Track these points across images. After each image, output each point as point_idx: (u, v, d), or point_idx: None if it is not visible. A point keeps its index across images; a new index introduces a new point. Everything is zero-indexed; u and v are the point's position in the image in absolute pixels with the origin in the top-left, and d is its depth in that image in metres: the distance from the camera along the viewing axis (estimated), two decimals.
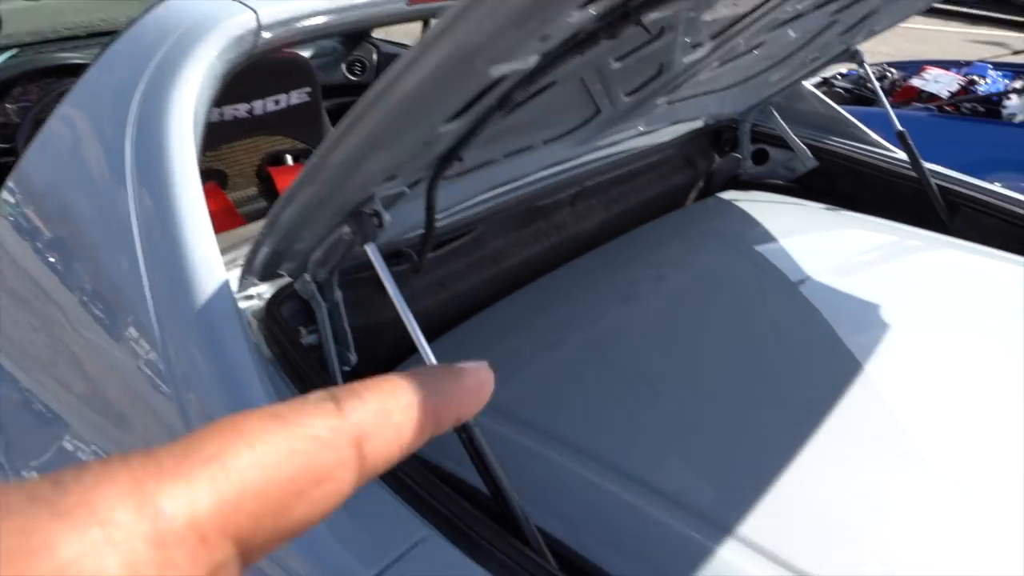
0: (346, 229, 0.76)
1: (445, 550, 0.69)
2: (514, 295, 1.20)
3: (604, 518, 0.81)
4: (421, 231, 0.95)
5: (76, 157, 0.99)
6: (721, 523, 0.75)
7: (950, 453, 0.89)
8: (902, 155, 1.69)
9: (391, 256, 1.09)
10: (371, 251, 0.74)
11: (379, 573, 0.66)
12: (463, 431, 0.74)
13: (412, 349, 0.76)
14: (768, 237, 1.47)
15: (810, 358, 1.09)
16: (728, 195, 1.67)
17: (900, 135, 1.63)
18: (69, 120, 1.02)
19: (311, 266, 0.87)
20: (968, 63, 3.64)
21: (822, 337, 1.14)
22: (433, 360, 0.74)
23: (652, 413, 0.96)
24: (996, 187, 1.66)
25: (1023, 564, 0.71)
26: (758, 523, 0.75)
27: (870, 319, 1.17)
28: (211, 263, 0.82)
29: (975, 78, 3.34)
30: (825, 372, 1.03)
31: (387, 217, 0.75)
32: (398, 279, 1.07)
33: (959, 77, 3.40)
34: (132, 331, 0.86)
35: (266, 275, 0.90)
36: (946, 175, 1.67)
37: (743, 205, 1.61)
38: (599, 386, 1.01)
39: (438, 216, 1.13)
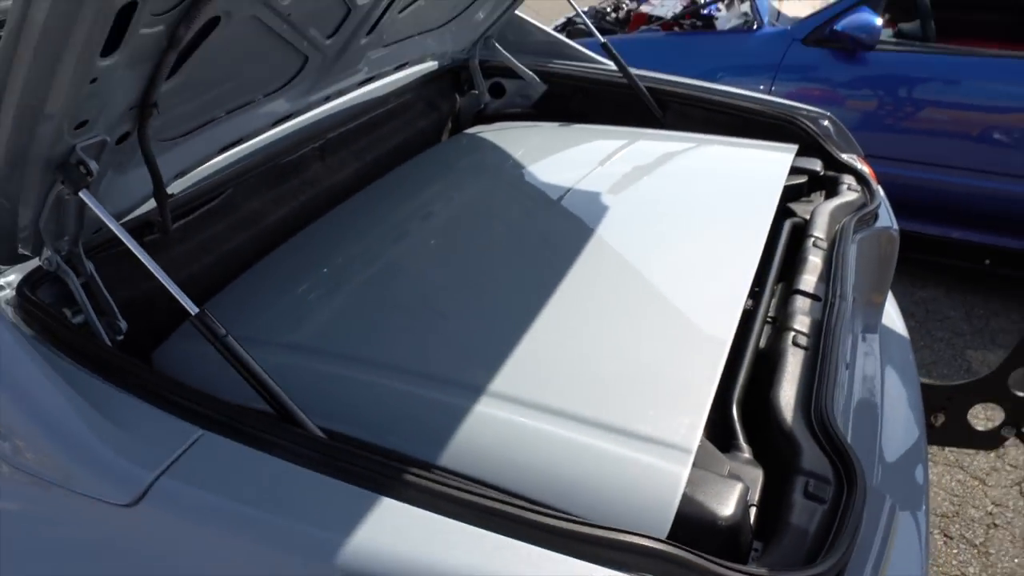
0: (61, 187, 0.82)
1: (223, 444, 0.78)
2: (280, 248, 1.28)
3: (371, 405, 0.93)
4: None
5: None
6: (465, 384, 0.89)
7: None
8: (611, 69, 1.91)
9: (143, 227, 1.14)
10: (87, 199, 0.80)
11: (163, 472, 0.74)
12: (218, 343, 0.82)
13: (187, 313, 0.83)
14: (510, 158, 1.63)
15: (542, 244, 1.26)
16: (474, 130, 1.82)
17: (603, 45, 1.85)
18: None
19: (48, 238, 0.91)
20: None
21: (555, 229, 1.31)
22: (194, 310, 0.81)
23: (420, 322, 1.08)
24: (694, 82, 1.92)
25: None
26: (496, 377, 0.89)
27: (594, 207, 1.36)
28: None
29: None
30: (549, 254, 1.20)
31: (95, 166, 0.81)
32: (157, 248, 1.13)
33: (682, 0, 3.77)
34: None
35: (4, 258, 0.93)
36: (654, 78, 1.91)
37: (488, 136, 1.77)
38: (365, 306, 1.12)
39: (182, 181, 1.19)
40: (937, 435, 1.66)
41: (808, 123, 1.69)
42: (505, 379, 0.90)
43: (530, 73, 1.94)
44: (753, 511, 0.83)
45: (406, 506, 0.71)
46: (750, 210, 1.30)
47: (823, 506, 0.80)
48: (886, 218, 1.54)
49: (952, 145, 2.92)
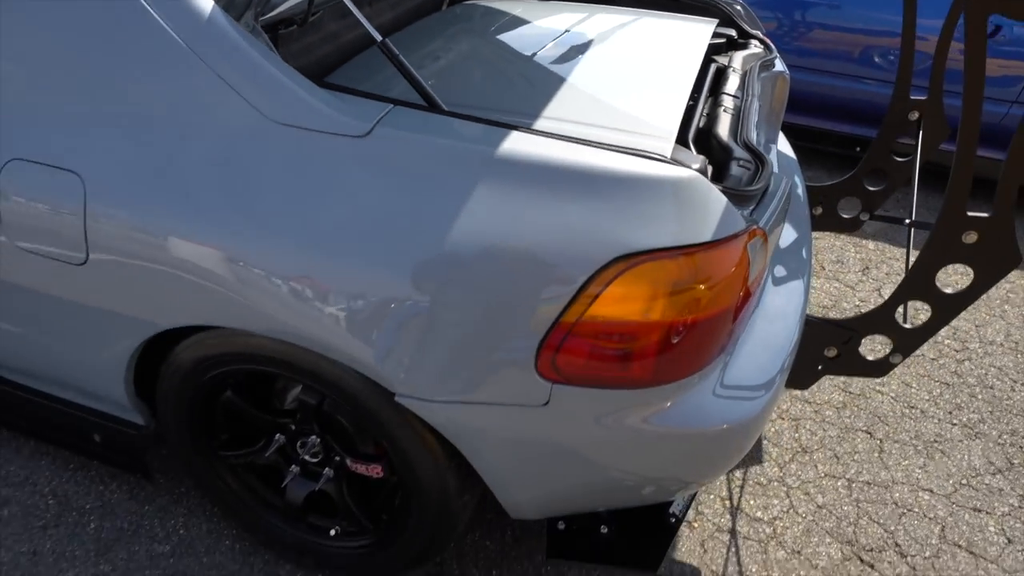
0: None
1: (408, 111, 1.25)
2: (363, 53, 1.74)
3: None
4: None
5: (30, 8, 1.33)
6: None
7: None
8: None
9: (282, 23, 1.57)
10: None
11: (379, 120, 1.21)
12: (395, 61, 1.29)
13: None
14: (500, 20, 2.11)
15: (548, 59, 1.76)
16: (470, 2, 2.29)
17: None
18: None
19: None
20: None
21: (552, 53, 1.81)
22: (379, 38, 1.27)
23: (490, 92, 1.55)
24: None
25: None
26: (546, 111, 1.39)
27: (576, 44, 1.87)
28: None
29: None
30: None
31: None
32: (291, 39, 1.57)
33: None
34: None
35: None
36: None
37: (484, 3, 2.25)
38: (443, 79, 1.59)
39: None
40: (832, 366, 1.80)
41: (725, 5, 2.26)
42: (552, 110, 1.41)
43: None
44: (710, 170, 1.37)
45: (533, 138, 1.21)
46: (691, 49, 1.84)
47: (750, 170, 1.36)
48: (781, 68, 2.13)
49: (833, 56, 3.64)
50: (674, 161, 1.23)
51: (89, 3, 1.29)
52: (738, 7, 2.28)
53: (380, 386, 1.29)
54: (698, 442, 1.32)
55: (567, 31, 1.93)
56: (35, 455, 1.87)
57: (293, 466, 1.54)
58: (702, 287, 1.20)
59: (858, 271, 3.06)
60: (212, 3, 1.27)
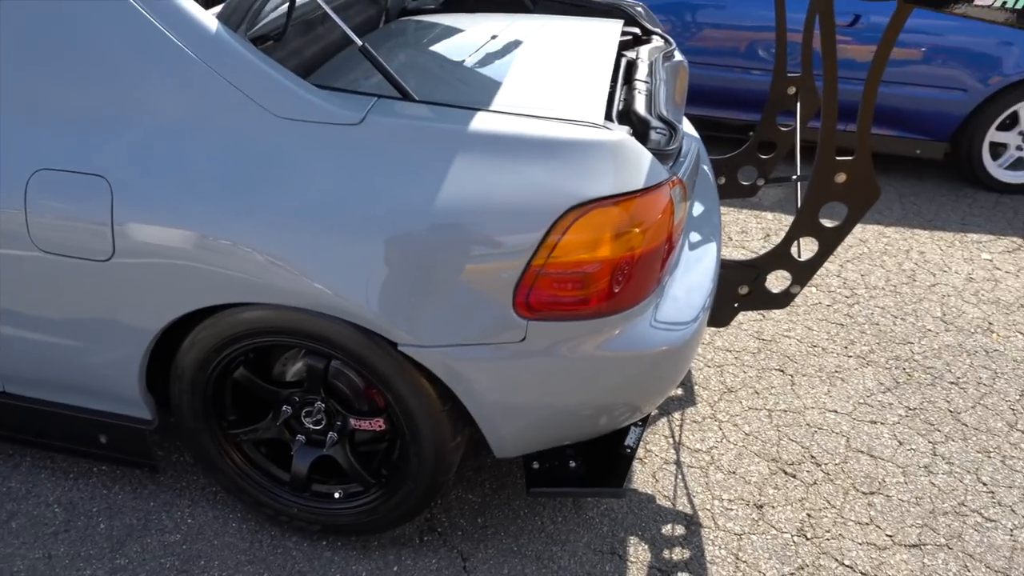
0: None
1: (391, 103, 1.48)
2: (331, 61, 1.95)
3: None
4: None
5: (39, 14, 1.50)
6: None
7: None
8: None
9: (260, 39, 1.77)
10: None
11: (369, 110, 1.44)
12: (377, 65, 1.53)
13: None
14: (434, 31, 2.37)
15: (487, 59, 2.02)
16: (403, 20, 2.54)
17: None
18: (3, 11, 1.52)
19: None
20: None
21: (492, 54, 2.08)
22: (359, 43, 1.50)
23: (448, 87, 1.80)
24: None
25: None
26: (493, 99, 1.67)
27: (507, 47, 2.14)
28: None
29: None
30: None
31: None
32: (269, 52, 1.78)
33: None
34: None
35: None
36: None
37: (415, 19, 2.50)
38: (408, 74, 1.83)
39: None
40: (745, 302, 2.09)
41: (628, 7, 2.59)
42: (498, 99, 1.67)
43: None
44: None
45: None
46: (604, 45, 2.15)
47: (665, 135, 1.66)
48: (680, 58, 2.47)
49: (721, 51, 4.10)
50: (608, 127, 1.51)
51: (111, 25, 1.47)
52: (639, 8, 2.61)
53: (383, 339, 1.50)
54: (642, 364, 1.59)
55: (494, 37, 2.20)
56: (34, 468, 1.96)
57: (299, 436, 1.72)
58: (639, 228, 1.48)
59: (760, 239, 3.46)
60: (217, 22, 1.47)
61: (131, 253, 1.51)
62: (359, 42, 1.51)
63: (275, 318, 1.53)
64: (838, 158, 1.85)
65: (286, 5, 1.86)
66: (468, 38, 2.19)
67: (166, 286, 1.53)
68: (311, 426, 1.71)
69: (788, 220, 3.70)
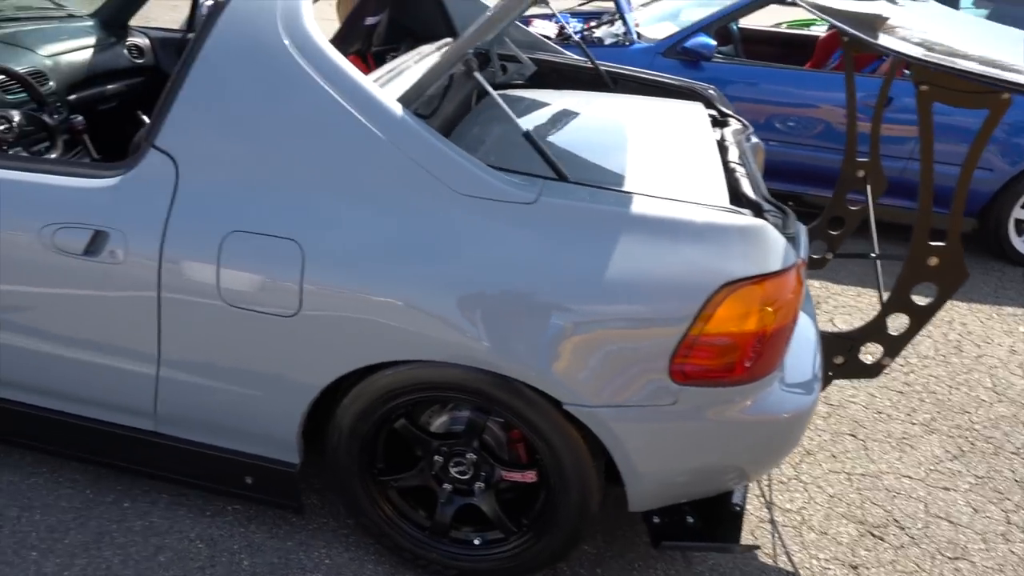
0: None
1: (559, 185, 1.64)
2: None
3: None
4: None
5: (243, 95, 1.67)
6: None
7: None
8: (577, 58, 2.90)
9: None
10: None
11: (540, 192, 1.60)
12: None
13: None
14: (535, 108, 2.55)
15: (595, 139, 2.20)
16: (496, 93, 2.72)
17: (578, 42, 2.84)
18: (210, 77, 1.69)
19: None
20: (552, 14, 5.15)
21: (596, 133, 2.25)
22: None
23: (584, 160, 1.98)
24: (629, 69, 2.96)
25: None
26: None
27: (597, 122, 2.32)
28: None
29: (563, 24, 4.83)
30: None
31: None
32: None
33: (552, 24, 4.87)
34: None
35: None
36: (608, 65, 2.93)
37: (508, 96, 2.69)
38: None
39: None
40: (839, 371, 2.25)
41: (702, 90, 2.78)
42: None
43: (526, 58, 2.87)
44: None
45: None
46: (698, 128, 2.33)
47: (780, 218, 1.81)
48: (757, 140, 2.66)
49: (753, 125, 4.31)
50: (749, 214, 1.67)
51: (308, 105, 1.64)
52: (711, 91, 2.81)
53: (548, 398, 1.63)
54: (776, 426, 1.73)
55: (593, 114, 2.37)
56: (171, 506, 2.06)
57: (445, 484, 1.84)
58: (776, 305, 1.63)
59: (830, 309, 3.62)
60: (401, 107, 1.63)
61: (316, 311, 1.65)
62: (523, 128, 1.68)
63: (444, 375, 1.66)
64: (931, 243, 2.02)
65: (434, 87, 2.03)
66: (569, 115, 2.36)
67: (346, 342, 1.66)
68: (457, 475, 1.82)
69: (835, 288, 3.88)
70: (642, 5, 5.47)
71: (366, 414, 1.76)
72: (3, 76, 2.48)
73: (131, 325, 1.77)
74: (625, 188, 1.71)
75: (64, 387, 1.93)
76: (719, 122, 2.65)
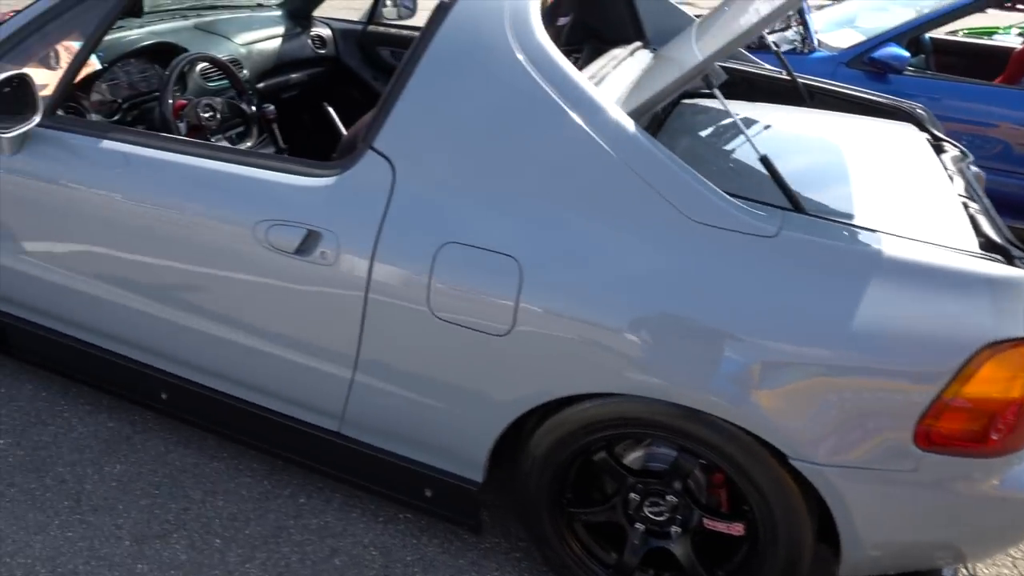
0: None
1: (799, 218, 1.50)
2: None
3: None
4: None
5: (468, 101, 1.61)
6: None
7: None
8: (773, 69, 2.71)
9: None
10: None
11: (783, 224, 1.46)
12: None
13: None
14: (726, 122, 2.39)
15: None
16: (687, 102, 2.59)
17: (776, 53, 2.66)
18: (434, 81, 1.63)
19: None
20: None
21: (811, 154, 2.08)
22: None
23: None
24: (828, 82, 2.75)
25: None
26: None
27: (805, 143, 2.14)
28: None
29: None
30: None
31: None
32: None
33: None
34: None
35: None
36: (804, 76, 2.73)
37: (692, 105, 2.54)
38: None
39: None
40: None
41: (911, 109, 2.54)
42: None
43: (716, 65, 2.71)
44: None
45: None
46: (921, 155, 2.10)
47: None
48: (977, 168, 2.40)
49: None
50: (1014, 263, 1.48)
51: (535, 117, 1.56)
52: (921, 111, 2.57)
53: (771, 449, 1.49)
54: (1021, 508, 1.53)
55: (798, 133, 2.19)
56: (344, 507, 2.05)
57: (638, 524, 1.73)
58: None
59: None
60: (634, 123, 1.53)
61: (529, 332, 1.57)
62: (759, 152, 1.54)
63: (657, 412, 1.56)
64: None
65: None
66: (778, 134, 2.19)
67: (557, 367, 1.57)
68: (652, 516, 1.72)
69: None
70: (816, 9, 5.16)
71: (564, 443, 1.68)
72: (208, 64, 2.53)
73: (333, 327, 1.75)
74: (866, 224, 1.55)
75: (255, 379, 1.94)
76: (935, 147, 2.42)
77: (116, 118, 2.32)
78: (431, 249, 1.61)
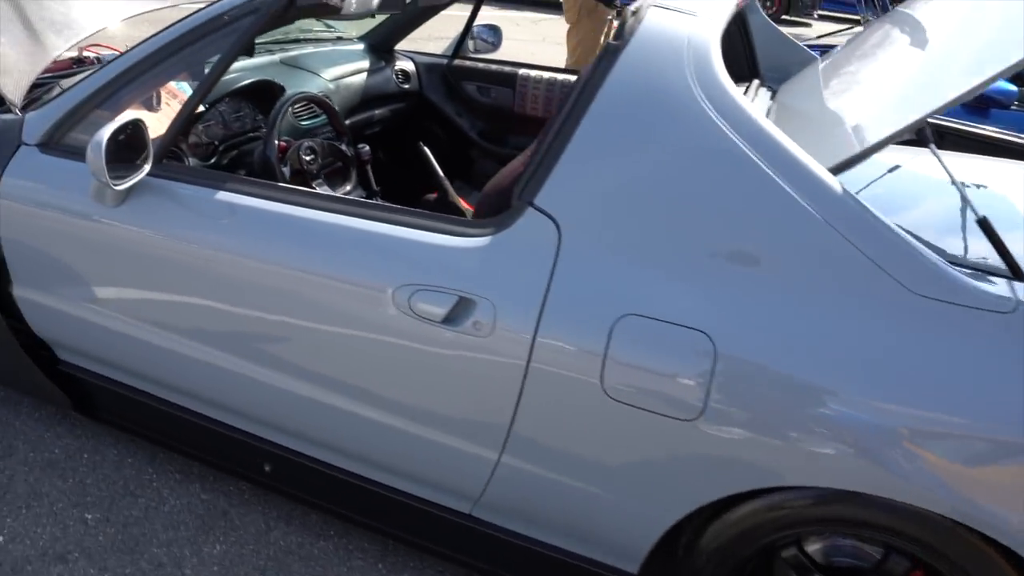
0: None
1: None
2: None
3: None
4: None
5: (645, 156, 1.43)
6: None
7: None
8: None
9: None
10: None
11: None
12: None
13: None
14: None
15: None
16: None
17: None
18: (604, 133, 1.46)
19: None
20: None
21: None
22: None
23: None
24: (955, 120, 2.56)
25: None
26: None
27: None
28: None
29: None
30: None
31: None
32: None
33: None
34: None
35: None
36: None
37: None
38: None
39: None
40: None
41: None
42: None
43: None
44: None
45: None
46: None
47: None
48: None
49: None
50: None
51: (723, 174, 1.38)
52: None
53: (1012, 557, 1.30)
54: None
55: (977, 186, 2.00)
56: None
57: None
58: None
59: None
60: (840, 183, 1.35)
61: (722, 416, 1.37)
62: (979, 214, 1.36)
63: (866, 512, 1.36)
64: None
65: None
66: (933, 182, 1.99)
67: (751, 456, 1.37)
68: None
69: None
70: None
71: (749, 539, 1.47)
72: (304, 102, 2.37)
73: (481, 404, 1.56)
74: None
75: (378, 454, 1.75)
76: None
77: (212, 161, 2.15)
78: (607, 322, 1.42)
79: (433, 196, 2.51)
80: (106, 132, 1.56)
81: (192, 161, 2.08)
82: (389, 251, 1.57)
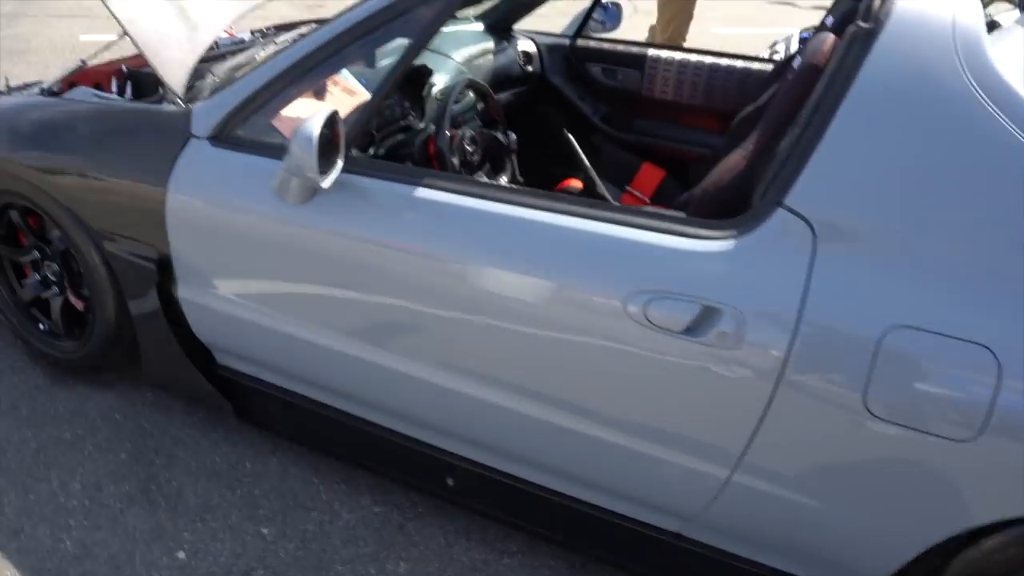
0: None
1: None
2: None
3: None
4: None
5: (914, 152, 1.29)
6: None
7: None
8: None
9: None
10: None
11: None
12: None
13: None
14: None
15: None
16: None
17: None
18: (863, 126, 1.32)
19: None
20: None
21: None
22: None
23: None
24: None
25: None
26: None
27: None
28: None
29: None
30: None
31: None
32: None
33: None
34: None
35: None
36: None
37: None
38: None
39: None
40: None
41: None
42: None
43: None
44: None
45: None
46: None
47: None
48: None
49: None
50: None
51: (1001, 172, 1.25)
52: None
53: None
54: None
55: None
56: None
57: None
58: None
59: None
60: None
61: (999, 438, 1.25)
62: None
63: None
64: None
65: None
66: None
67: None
68: None
69: None
70: None
71: (1006, 570, 1.37)
72: (472, 90, 2.26)
73: (719, 421, 1.44)
74: None
75: (582, 469, 1.65)
76: None
77: (371, 152, 2.03)
78: (873, 334, 1.29)
79: (578, 186, 2.38)
80: (315, 125, 1.44)
81: (354, 152, 1.97)
82: (619, 254, 1.45)
